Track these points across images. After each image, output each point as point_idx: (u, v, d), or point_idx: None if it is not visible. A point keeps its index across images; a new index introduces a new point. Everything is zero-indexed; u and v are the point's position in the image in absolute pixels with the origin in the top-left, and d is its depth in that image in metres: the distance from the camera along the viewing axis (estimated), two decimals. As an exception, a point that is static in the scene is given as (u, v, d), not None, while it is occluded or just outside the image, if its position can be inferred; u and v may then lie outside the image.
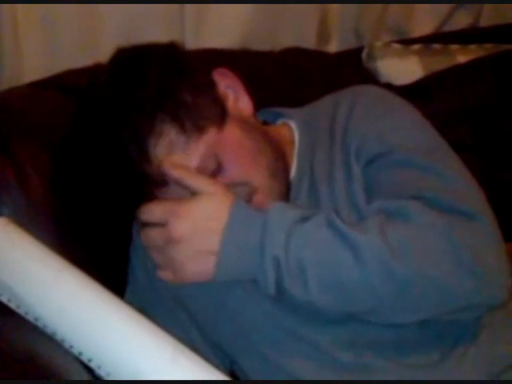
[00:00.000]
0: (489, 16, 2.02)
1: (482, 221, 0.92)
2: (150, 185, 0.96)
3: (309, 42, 1.74)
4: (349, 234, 0.90)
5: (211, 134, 0.96)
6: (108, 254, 1.11)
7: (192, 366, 0.78)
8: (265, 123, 1.15)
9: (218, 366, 0.80)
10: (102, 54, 1.04)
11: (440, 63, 1.72)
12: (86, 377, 0.82)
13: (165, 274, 0.95)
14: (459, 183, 0.97)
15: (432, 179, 0.96)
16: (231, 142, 0.98)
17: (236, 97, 1.04)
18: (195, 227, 0.92)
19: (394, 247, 0.88)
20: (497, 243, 0.93)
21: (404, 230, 0.90)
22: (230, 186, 0.97)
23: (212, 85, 1.02)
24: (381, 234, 0.89)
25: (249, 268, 0.92)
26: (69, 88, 1.18)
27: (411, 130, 1.03)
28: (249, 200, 0.98)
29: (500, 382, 0.98)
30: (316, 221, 0.92)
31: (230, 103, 1.03)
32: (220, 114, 0.99)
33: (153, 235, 0.95)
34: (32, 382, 0.73)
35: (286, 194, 1.03)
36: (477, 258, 0.89)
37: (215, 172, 0.97)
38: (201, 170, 0.95)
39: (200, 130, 0.95)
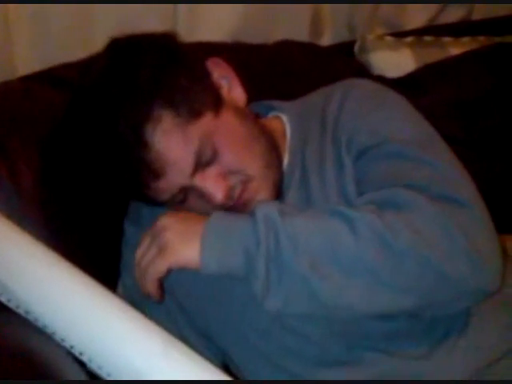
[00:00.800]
0: (481, 9, 2.02)
1: (474, 209, 0.93)
2: (146, 174, 0.95)
3: (301, 35, 1.73)
4: (343, 210, 0.91)
5: (208, 119, 0.97)
6: (99, 248, 1.11)
7: (184, 359, 0.78)
8: (257, 116, 1.15)
9: (210, 359, 0.80)
10: (95, 48, 1.04)
11: (432, 56, 1.72)
12: (77, 370, 0.82)
13: (160, 263, 0.93)
14: (451, 173, 0.97)
15: (424, 169, 0.96)
16: (227, 128, 0.99)
17: (230, 87, 1.05)
18: (179, 218, 0.95)
19: (390, 224, 0.89)
20: (489, 230, 0.93)
21: (397, 214, 0.90)
22: (226, 175, 0.97)
23: (206, 72, 1.02)
24: (375, 214, 0.90)
25: (237, 244, 0.90)
26: (61, 82, 1.18)
27: (403, 123, 1.03)
28: (243, 189, 0.99)
29: (497, 382, 0.99)
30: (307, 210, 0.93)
31: (225, 92, 1.03)
32: (215, 100, 0.99)
33: (143, 239, 0.95)
34: (29, 383, 0.73)
35: (279, 184, 1.04)
36: (471, 242, 0.89)
37: (211, 160, 0.97)
38: (198, 157, 0.96)
39: (196, 114, 0.95)
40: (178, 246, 0.91)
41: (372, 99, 1.06)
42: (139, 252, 0.95)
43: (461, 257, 0.89)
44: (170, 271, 0.93)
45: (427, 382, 0.98)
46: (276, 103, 1.18)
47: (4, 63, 1.28)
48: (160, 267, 0.92)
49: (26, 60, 1.31)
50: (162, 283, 0.95)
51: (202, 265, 0.91)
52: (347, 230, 0.89)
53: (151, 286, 0.93)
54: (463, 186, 0.96)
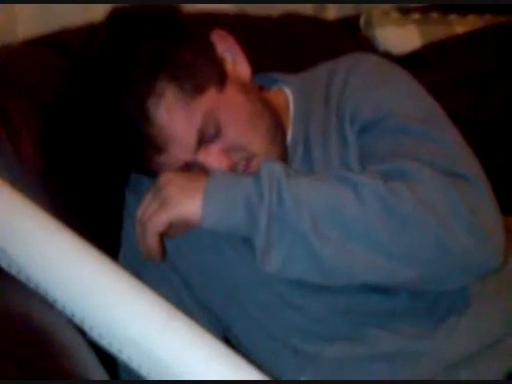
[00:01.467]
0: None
1: (478, 185, 0.92)
2: (149, 149, 0.94)
3: (306, 8, 1.72)
4: (348, 175, 0.91)
5: (211, 94, 0.95)
6: (101, 216, 1.10)
7: (185, 329, 0.77)
8: (261, 88, 1.14)
9: (211, 331, 0.79)
10: (97, 13, 1.02)
11: (438, 33, 1.72)
12: (78, 338, 0.81)
13: (161, 216, 0.91)
14: (455, 149, 0.97)
15: (428, 145, 0.95)
16: (231, 104, 0.97)
17: (234, 60, 1.03)
18: (181, 174, 0.94)
19: (394, 190, 0.88)
20: (493, 206, 0.93)
21: (402, 183, 0.89)
22: (229, 151, 0.96)
23: (210, 46, 1.00)
24: (381, 181, 0.90)
25: (240, 197, 0.89)
26: (62, 46, 1.16)
27: (407, 98, 1.02)
28: (246, 165, 0.98)
29: (499, 382, 0.99)
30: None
31: (229, 66, 1.01)
32: (219, 75, 0.98)
33: (145, 197, 0.94)
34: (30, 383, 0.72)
35: (283, 159, 1.02)
36: (475, 216, 0.89)
37: (214, 136, 0.96)
38: (201, 133, 0.94)
39: (200, 89, 0.94)
40: (180, 198, 0.90)
41: (377, 74, 1.05)
42: (140, 209, 0.93)
43: (464, 229, 0.88)
44: (170, 226, 0.91)
45: (428, 381, 0.97)
46: (280, 76, 1.16)
47: (6, 27, 1.27)
48: (161, 220, 0.91)
49: (28, 24, 1.30)
50: (163, 242, 0.93)
51: (204, 217, 0.90)
52: (351, 193, 0.89)
53: (152, 241, 0.92)
54: (467, 161, 0.96)
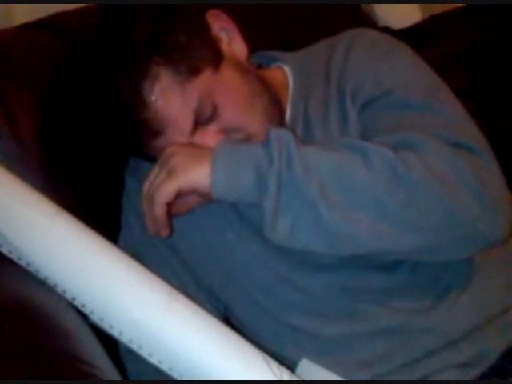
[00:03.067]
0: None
1: (484, 155, 0.92)
2: (145, 133, 0.94)
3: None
4: (356, 142, 0.91)
5: (207, 75, 0.94)
6: (100, 200, 1.10)
7: (186, 311, 0.78)
8: (259, 67, 1.13)
9: (211, 312, 0.80)
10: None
11: (439, 6, 1.70)
12: (79, 322, 0.82)
13: (169, 185, 0.90)
14: (459, 121, 0.96)
15: (431, 117, 0.95)
16: (227, 84, 0.97)
17: (230, 40, 1.02)
18: (187, 145, 0.94)
19: (403, 158, 0.88)
20: (499, 177, 0.92)
21: (410, 152, 0.89)
22: (226, 132, 0.96)
23: (205, 26, 1.00)
24: (389, 149, 0.89)
25: (249, 162, 0.89)
26: (60, 29, 1.15)
27: (409, 72, 1.02)
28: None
29: (496, 382, 0.99)
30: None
31: (224, 46, 1.01)
32: (215, 56, 0.97)
33: (151, 171, 0.93)
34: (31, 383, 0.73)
35: None
36: (483, 185, 0.89)
37: (211, 118, 0.95)
38: (197, 115, 0.94)
39: (195, 71, 0.93)
40: (188, 166, 0.90)
41: (377, 49, 1.04)
42: (147, 182, 0.93)
43: (472, 197, 0.88)
44: (178, 195, 0.90)
45: (430, 382, 0.97)
46: (278, 54, 1.15)
47: (3, 11, 1.26)
48: (169, 188, 0.89)
49: (25, 8, 1.29)
50: (170, 215, 0.92)
51: (212, 183, 0.88)
52: (360, 160, 0.88)
53: (159, 212, 0.90)
54: (472, 133, 0.95)
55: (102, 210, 1.09)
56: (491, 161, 0.93)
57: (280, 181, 0.87)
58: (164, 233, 0.93)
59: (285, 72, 1.11)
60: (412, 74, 1.02)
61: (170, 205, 0.91)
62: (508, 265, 1.05)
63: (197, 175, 0.89)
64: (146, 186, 0.93)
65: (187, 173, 0.89)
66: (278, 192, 0.87)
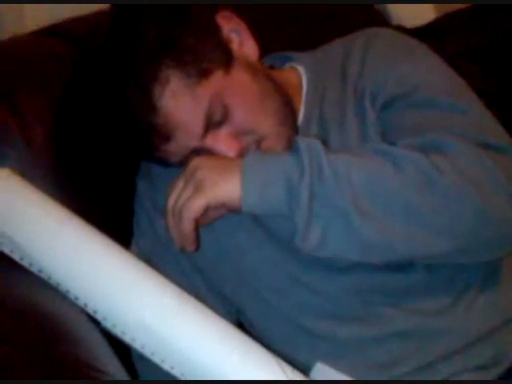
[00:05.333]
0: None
1: (511, 154, 0.91)
2: (156, 138, 0.94)
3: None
4: (385, 148, 0.90)
5: (217, 77, 0.94)
6: (111, 205, 1.10)
7: (197, 315, 0.78)
8: (272, 68, 1.13)
9: (224, 316, 0.79)
10: (105, 1, 1.01)
11: (453, 4, 1.69)
12: (91, 328, 0.82)
13: (198, 200, 0.88)
14: (484, 120, 0.96)
15: (456, 117, 0.94)
16: (238, 86, 0.96)
17: (241, 41, 1.01)
18: (212, 157, 0.93)
19: (435, 162, 0.87)
20: None
21: (440, 156, 0.88)
22: (238, 135, 0.95)
23: (216, 28, 0.99)
24: (420, 153, 0.88)
25: (280, 174, 0.87)
26: (72, 36, 1.16)
27: (432, 71, 1.01)
28: (257, 148, 0.97)
29: (500, 382, 0.98)
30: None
31: (235, 47, 1.00)
32: (225, 57, 0.96)
33: (175, 184, 0.92)
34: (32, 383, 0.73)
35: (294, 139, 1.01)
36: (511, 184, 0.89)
37: (222, 120, 0.95)
38: (208, 118, 0.93)
39: (205, 73, 0.93)
40: (217, 180, 0.88)
41: (396, 48, 1.04)
42: (172, 197, 0.91)
43: (503, 198, 0.88)
44: (207, 210, 0.89)
45: (428, 381, 0.97)
46: (292, 54, 1.15)
47: (14, 18, 1.27)
48: (198, 205, 0.88)
49: (37, 14, 1.30)
50: (198, 230, 0.91)
51: (243, 199, 0.87)
52: (391, 166, 0.87)
53: (188, 229, 0.89)
54: (498, 132, 0.95)
55: (114, 214, 1.08)
56: None
57: (312, 192, 0.86)
58: (191, 248, 0.93)
59: (298, 72, 1.10)
60: (435, 73, 1.01)
61: (197, 220, 0.90)
62: None
63: (226, 190, 0.88)
64: (171, 201, 0.91)
65: (216, 188, 0.88)
66: (309, 203, 0.86)
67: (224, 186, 0.88)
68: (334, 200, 0.86)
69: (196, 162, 0.91)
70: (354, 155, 0.90)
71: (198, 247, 0.93)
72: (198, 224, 0.91)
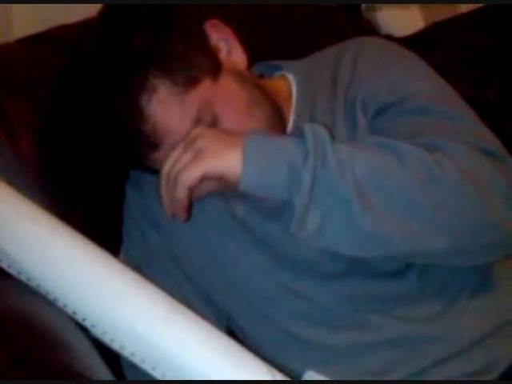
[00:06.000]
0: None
1: (508, 160, 0.92)
2: (144, 146, 0.93)
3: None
4: (392, 142, 0.88)
5: (205, 85, 0.93)
6: (100, 213, 1.10)
7: (188, 322, 0.77)
8: (261, 77, 1.13)
9: (215, 324, 0.78)
10: (93, 9, 1.01)
11: (441, 14, 1.70)
12: (80, 336, 0.81)
13: (196, 167, 0.86)
14: (478, 127, 0.96)
15: (450, 124, 0.94)
16: (226, 94, 0.95)
17: (229, 49, 1.01)
18: (215, 129, 0.92)
19: (438, 160, 0.87)
20: None
21: (443, 156, 0.88)
22: None
23: (204, 37, 0.99)
24: (425, 150, 0.88)
25: (283, 156, 0.85)
26: (59, 43, 1.15)
27: (422, 78, 1.01)
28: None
29: (499, 382, 0.97)
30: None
31: (223, 56, 1.00)
32: (213, 66, 0.96)
33: (174, 150, 0.89)
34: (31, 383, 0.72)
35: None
36: (510, 188, 0.89)
37: (211, 127, 0.93)
38: (197, 125, 0.92)
39: (193, 81, 0.92)
40: (218, 150, 0.86)
41: (386, 57, 1.04)
42: (169, 162, 0.88)
43: (502, 202, 0.88)
44: (203, 180, 0.86)
45: (428, 381, 0.96)
46: (281, 63, 1.15)
47: (1, 25, 1.27)
48: (195, 172, 0.85)
49: (24, 22, 1.30)
50: (190, 200, 0.89)
51: (243, 175, 0.85)
52: (394, 159, 0.86)
53: (181, 196, 0.86)
54: (492, 140, 0.95)
55: (103, 222, 1.08)
56: None
57: (314, 177, 0.84)
58: (182, 216, 0.90)
59: (288, 80, 1.10)
60: (426, 81, 1.01)
61: (192, 189, 0.88)
62: None
63: (227, 161, 0.85)
64: (167, 166, 0.89)
65: (216, 158, 0.85)
66: (311, 188, 0.84)
67: (224, 158, 0.86)
68: (336, 187, 0.84)
69: (198, 130, 0.90)
70: (359, 147, 0.89)
71: (188, 217, 0.91)
72: (191, 193, 0.88)
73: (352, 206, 0.84)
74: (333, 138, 0.88)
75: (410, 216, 0.85)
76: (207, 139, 0.87)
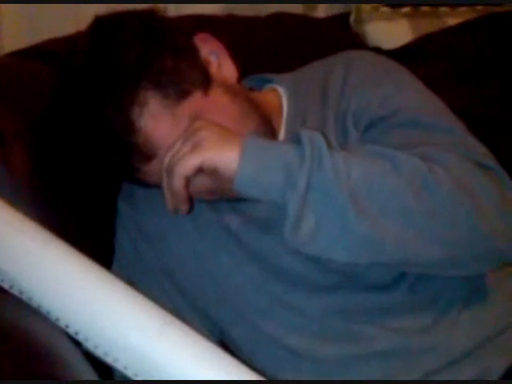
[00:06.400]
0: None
1: (500, 172, 0.92)
2: (137, 158, 0.93)
3: (295, 7, 1.72)
4: (387, 150, 0.89)
5: (196, 98, 0.94)
6: (93, 226, 1.09)
7: (181, 335, 0.77)
8: (252, 90, 1.13)
9: (207, 337, 0.78)
10: (84, 22, 1.01)
11: (429, 26, 1.71)
12: (73, 349, 0.81)
13: (192, 157, 0.87)
14: (469, 140, 0.96)
15: (441, 136, 0.95)
16: (217, 106, 0.96)
17: (219, 63, 1.02)
18: (216, 124, 0.92)
19: (433, 169, 0.87)
20: None
21: (437, 166, 0.88)
22: None
23: (194, 50, 0.99)
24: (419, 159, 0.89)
25: (280, 159, 0.86)
26: (50, 57, 1.15)
27: (412, 92, 1.02)
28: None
29: (499, 382, 0.98)
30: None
31: (214, 69, 1.00)
32: (204, 78, 0.96)
33: (174, 144, 0.90)
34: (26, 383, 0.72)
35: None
36: (503, 199, 0.89)
37: None
38: None
39: (184, 94, 0.93)
40: (216, 143, 0.87)
41: (376, 70, 1.05)
42: (170, 154, 0.89)
43: (495, 212, 0.89)
44: (199, 170, 0.87)
45: (428, 381, 0.97)
46: (272, 76, 1.15)
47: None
48: (192, 161, 0.86)
49: (15, 35, 1.30)
50: (189, 192, 0.89)
51: (239, 171, 0.85)
52: (389, 167, 0.87)
53: (178, 185, 0.87)
54: (484, 152, 0.95)
55: (95, 235, 1.08)
56: (507, 178, 0.93)
57: (309, 181, 0.84)
58: (184, 208, 0.91)
59: (278, 93, 1.10)
60: (416, 94, 1.02)
61: (189, 180, 0.88)
62: (507, 282, 1.05)
63: (224, 156, 0.86)
64: (166, 159, 0.90)
65: (214, 150, 0.86)
66: (305, 192, 0.84)
67: (222, 152, 0.86)
68: (331, 193, 0.85)
69: (199, 123, 0.90)
70: (354, 154, 0.90)
71: (191, 209, 0.92)
72: (188, 183, 0.89)
73: (347, 211, 0.84)
74: (329, 144, 0.89)
75: (403, 223, 0.86)
76: (207, 132, 0.88)
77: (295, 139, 0.88)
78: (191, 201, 0.91)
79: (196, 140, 0.88)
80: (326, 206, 0.85)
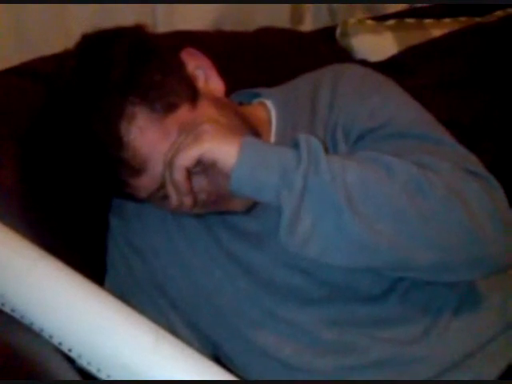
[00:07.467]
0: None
1: (491, 180, 0.93)
2: (126, 173, 0.93)
3: (282, 21, 1.73)
4: (381, 156, 0.90)
5: (184, 111, 0.94)
6: (84, 242, 1.09)
7: (175, 353, 0.77)
8: (240, 104, 1.14)
9: (201, 351, 0.78)
10: (72, 40, 1.02)
11: (414, 38, 1.72)
12: (66, 366, 0.81)
13: (193, 148, 0.87)
14: (459, 150, 0.97)
15: (432, 146, 0.96)
16: (205, 119, 0.96)
17: (206, 77, 1.02)
18: (218, 123, 0.93)
19: (426, 174, 0.88)
20: (506, 201, 0.94)
21: (430, 172, 0.89)
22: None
23: (180, 65, 1.00)
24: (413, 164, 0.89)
25: (277, 160, 0.87)
26: (38, 75, 1.15)
27: (401, 104, 1.03)
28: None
29: (499, 382, 0.98)
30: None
31: (201, 84, 1.01)
32: (191, 92, 0.97)
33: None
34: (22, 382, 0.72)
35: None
36: (495, 206, 0.90)
37: None
38: None
39: (171, 107, 0.93)
40: (217, 137, 0.88)
41: (364, 82, 1.05)
42: (171, 149, 0.90)
43: (488, 219, 0.89)
44: (198, 162, 0.88)
45: (428, 381, 0.97)
46: (260, 90, 1.16)
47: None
48: (192, 152, 0.87)
49: (3, 54, 1.29)
50: (190, 180, 0.90)
51: (235, 168, 0.86)
52: (384, 172, 0.88)
53: (178, 177, 0.88)
54: (473, 159, 0.96)
55: (87, 252, 1.08)
56: (498, 187, 0.93)
57: (306, 183, 0.85)
58: (187, 201, 0.90)
59: (267, 107, 1.11)
60: (405, 106, 1.03)
61: (190, 172, 0.89)
62: (499, 286, 1.06)
63: (223, 149, 0.87)
64: (169, 153, 0.90)
65: (213, 143, 0.87)
66: (301, 194, 0.85)
67: (222, 146, 0.87)
68: (327, 196, 0.85)
69: (203, 118, 0.92)
70: (350, 159, 0.90)
71: (195, 204, 0.92)
72: (189, 174, 0.89)
73: (342, 213, 0.85)
74: (326, 149, 0.89)
75: (397, 227, 0.87)
76: (209, 126, 0.89)
77: (293, 144, 0.89)
78: (195, 196, 0.91)
79: (197, 132, 0.88)
80: (321, 208, 0.85)
